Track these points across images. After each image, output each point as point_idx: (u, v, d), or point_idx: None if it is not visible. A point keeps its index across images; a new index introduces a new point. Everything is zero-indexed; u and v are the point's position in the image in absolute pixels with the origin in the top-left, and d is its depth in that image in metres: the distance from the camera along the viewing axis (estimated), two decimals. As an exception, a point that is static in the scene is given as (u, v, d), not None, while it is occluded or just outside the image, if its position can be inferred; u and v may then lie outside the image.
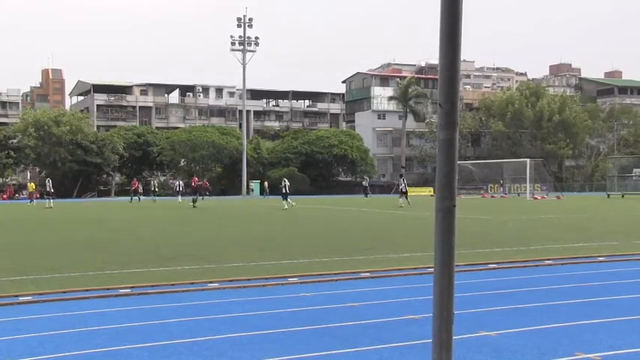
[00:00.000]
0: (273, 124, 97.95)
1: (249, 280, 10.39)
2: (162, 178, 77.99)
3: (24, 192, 68.50)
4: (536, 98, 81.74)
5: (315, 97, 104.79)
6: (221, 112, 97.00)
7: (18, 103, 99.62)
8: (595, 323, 7.30)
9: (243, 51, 73.18)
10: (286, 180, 37.43)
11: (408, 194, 38.71)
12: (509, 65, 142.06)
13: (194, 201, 38.55)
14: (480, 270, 11.42)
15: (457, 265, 3.01)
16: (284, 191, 35.68)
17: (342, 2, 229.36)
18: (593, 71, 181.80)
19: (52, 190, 42.34)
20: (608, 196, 54.93)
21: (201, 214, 32.08)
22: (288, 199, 35.36)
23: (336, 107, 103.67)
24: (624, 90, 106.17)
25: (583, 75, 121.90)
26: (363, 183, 63.28)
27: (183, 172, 76.22)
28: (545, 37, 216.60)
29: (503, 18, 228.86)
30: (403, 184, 38.62)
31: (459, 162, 3.17)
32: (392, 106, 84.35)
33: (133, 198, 51.14)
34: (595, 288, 9.71)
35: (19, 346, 6.42)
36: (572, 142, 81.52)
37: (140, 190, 53.43)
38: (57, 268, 11.77)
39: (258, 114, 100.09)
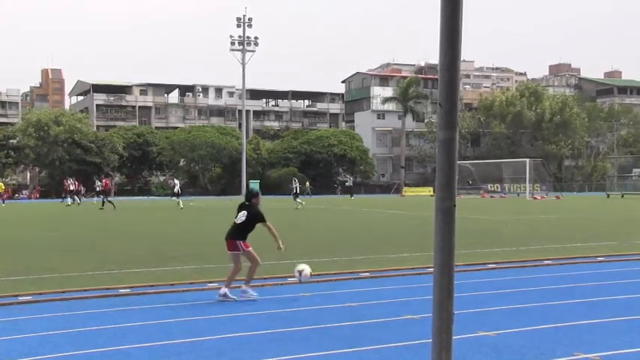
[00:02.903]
0: (273, 124, 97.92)
1: (248, 280, 10.38)
2: (161, 178, 78.01)
3: (24, 192, 68.55)
4: (536, 98, 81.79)
5: (314, 97, 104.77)
6: (220, 112, 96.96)
7: (18, 103, 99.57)
8: (594, 323, 7.30)
9: (243, 51, 73.19)
10: (177, 180, 41.37)
11: (303, 196, 38.84)
12: (508, 65, 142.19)
13: (103, 203, 37.55)
14: (479, 270, 11.42)
15: (456, 265, 3.00)
16: (175, 191, 39.41)
17: (342, 2, 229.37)
18: (593, 71, 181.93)
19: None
20: (608, 196, 54.93)
21: (200, 213, 32.07)
22: (179, 199, 38.29)
23: (335, 107, 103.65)
24: (624, 90, 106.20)
25: (582, 75, 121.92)
26: (344, 182, 61.57)
27: (182, 172, 76.26)
28: (544, 37, 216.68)
29: (502, 18, 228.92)
30: (296, 185, 39.10)
31: (458, 162, 3.17)
32: (391, 106, 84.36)
33: (65, 199, 45.73)
34: (594, 288, 9.71)
35: (19, 346, 6.41)
36: (572, 142, 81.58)
37: (82, 189, 49.85)
38: (56, 268, 11.77)
39: (258, 114, 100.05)
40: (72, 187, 45.62)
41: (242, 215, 9.20)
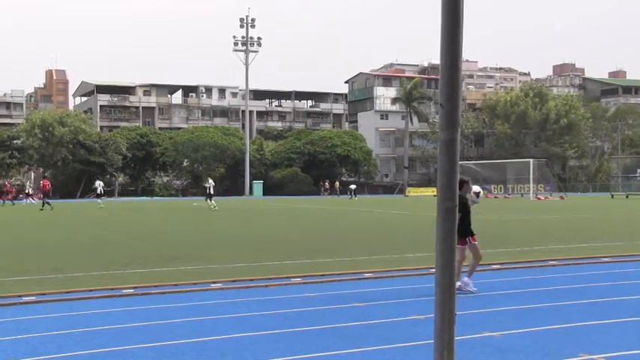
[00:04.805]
0: (276, 125, 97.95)
1: (252, 280, 10.38)
2: (165, 179, 78.11)
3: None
4: (540, 99, 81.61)
5: (317, 97, 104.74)
6: (224, 112, 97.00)
7: (22, 103, 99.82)
8: (599, 324, 7.28)
9: (246, 51, 73.31)
10: (100, 182, 45.02)
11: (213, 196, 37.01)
12: (512, 65, 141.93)
13: (44, 204, 37.00)
14: (484, 270, 11.40)
15: (460, 266, 3.01)
16: (99, 191, 42.55)
17: (345, 2, 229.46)
18: (597, 71, 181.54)
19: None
20: (612, 196, 54.81)
21: (202, 214, 32.10)
22: (101, 199, 41.54)
23: (338, 107, 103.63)
24: (628, 90, 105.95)
25: (587, 75, 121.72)
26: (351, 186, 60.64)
27: (186, 173, 76.37)
28: (548, 37, 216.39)
29: (506, 18, 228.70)
30: (210, 185, 37.44)
31: (461, 162, 3.18)
32: (395, 106, 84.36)
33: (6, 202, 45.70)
34: (599, 289, 9.68)
35: (23, 346, 6.42)
36: (576, 144, 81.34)
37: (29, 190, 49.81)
38: (60, 268, 11.79)
39: (261, 114, 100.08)
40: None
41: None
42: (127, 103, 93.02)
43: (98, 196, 41.92)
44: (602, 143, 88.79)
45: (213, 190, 37.57)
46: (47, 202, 37.12)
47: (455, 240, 3.14)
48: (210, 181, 38.61)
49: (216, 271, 11.47)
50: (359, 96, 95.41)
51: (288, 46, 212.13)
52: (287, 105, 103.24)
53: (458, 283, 9.17)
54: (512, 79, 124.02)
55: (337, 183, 66.81)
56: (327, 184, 66.98)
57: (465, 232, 9.24)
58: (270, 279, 10.50)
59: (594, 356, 5.92)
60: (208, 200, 36.22)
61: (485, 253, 13.87)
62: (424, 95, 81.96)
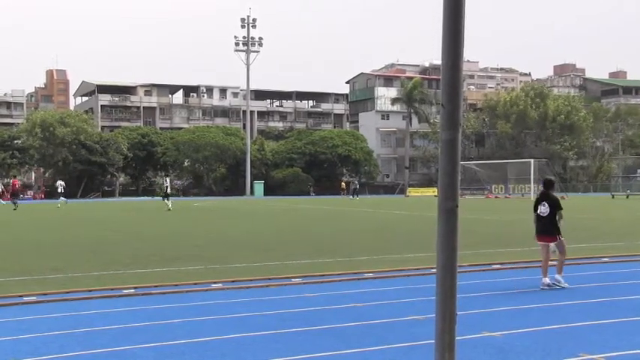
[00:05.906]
0: (277, 125, 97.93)
1: (252, 280, 10.39)
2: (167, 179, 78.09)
3: (28, 192, 68.68)
4: (541, 99, 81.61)
5: (318, 97, 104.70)
6: (225, 112, 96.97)
7: (22, 103, 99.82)
8: (600, 324, 7.29)
9: (247, 51, 73.36)
10: (62, 182, 45.16)
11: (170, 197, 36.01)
12: (513, 65, 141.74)
13: (15, 204, 36.61)
14: (484, 270, 11.42)
15: (460, 266, 2.99)
16: (59, 190, 43.32)
17: (346, 3, 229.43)
18: (598, 71, 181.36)
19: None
20: (613, 196, 54.82)
21: (203, 214, 32.11)
22: (60, 199, 41.73)
23: (339, 108, 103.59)
24: (629, 90, 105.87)
25: (587, 75, 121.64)
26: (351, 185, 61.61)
27: (187, 173, 76.43)
28: (548, 37, 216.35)
29: (506, 18, 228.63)
30: (167, 185, 37.03)
31: (462, 162, 3.18)
32: (396, 106, 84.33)
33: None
34: (599, 289, 9.69)
35: (24, 346, 6.43)
36: (577, 143, 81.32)
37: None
38: (61, 269, 11.80)
39: (262, 114, 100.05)
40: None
41: (543, 207, 9.62)
42: (128, 103, 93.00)
43: (60, 195, 42.71)
44: (603, 144, 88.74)
45: (170, 191, 37.04)
46: (14, 202, 37.07)
47: (457, 240, 3.14)
48: (168, 180, 38.22)
49: (217, 271, 11.48)
50: (360, 96, 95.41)
51: (288, 46, 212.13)
52: (288, 105, 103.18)
53: (547, 280, 9.45)
54: (512, 80, 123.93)
55: (351, 183, 66.49)
56: (342, 184, 67.03)
57: (555, 229, 9.50)
58: (270, 279, 10.50)
59: (594, 356, 5.93)
60: (165, 200, 35.03)
61: (486, 253, 13.90)
62: (425, 97, 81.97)
